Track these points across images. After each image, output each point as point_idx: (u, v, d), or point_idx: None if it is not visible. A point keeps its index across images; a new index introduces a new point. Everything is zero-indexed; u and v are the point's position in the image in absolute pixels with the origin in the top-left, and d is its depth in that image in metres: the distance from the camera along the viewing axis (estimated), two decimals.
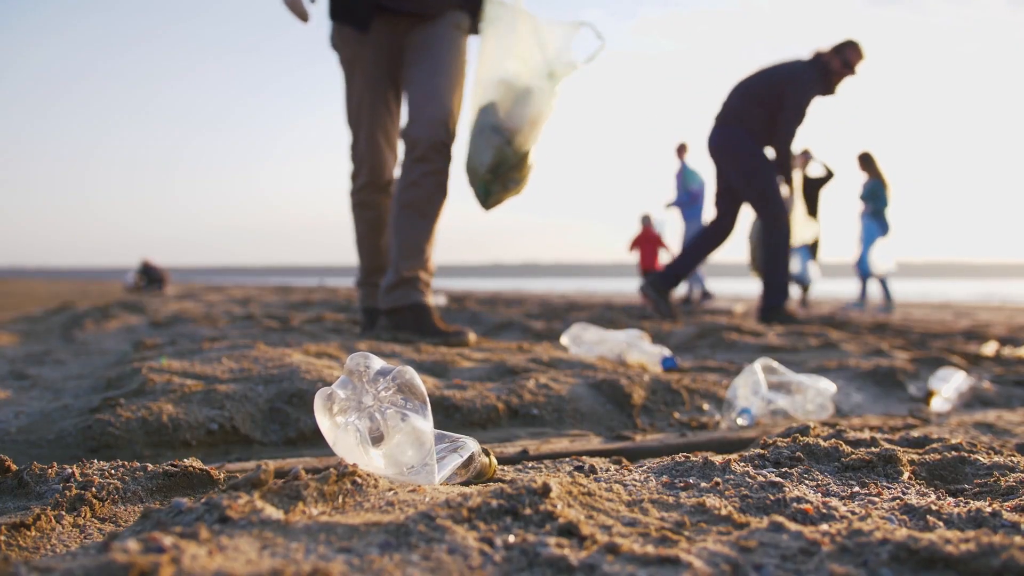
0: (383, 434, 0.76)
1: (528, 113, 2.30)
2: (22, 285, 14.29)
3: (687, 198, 8.69)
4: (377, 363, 0.81)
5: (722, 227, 4.74)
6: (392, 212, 2.62)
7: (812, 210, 7.57)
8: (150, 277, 11.46)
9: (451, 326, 2.63)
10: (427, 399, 0.80)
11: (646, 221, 9.31)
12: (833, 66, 4.48)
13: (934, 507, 0.72)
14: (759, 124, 4.52)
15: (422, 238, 2.59)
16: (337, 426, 0.77)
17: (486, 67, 2.39)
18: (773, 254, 4.47)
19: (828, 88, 4.55)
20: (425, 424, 0.77)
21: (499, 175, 2.34)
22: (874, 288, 8.89)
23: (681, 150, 8.84)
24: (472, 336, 2.52)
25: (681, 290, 9.49)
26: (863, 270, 7.65)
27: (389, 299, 2.59)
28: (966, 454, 0.94)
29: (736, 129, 4.57)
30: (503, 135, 2.30)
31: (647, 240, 9.23)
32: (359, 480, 0.71)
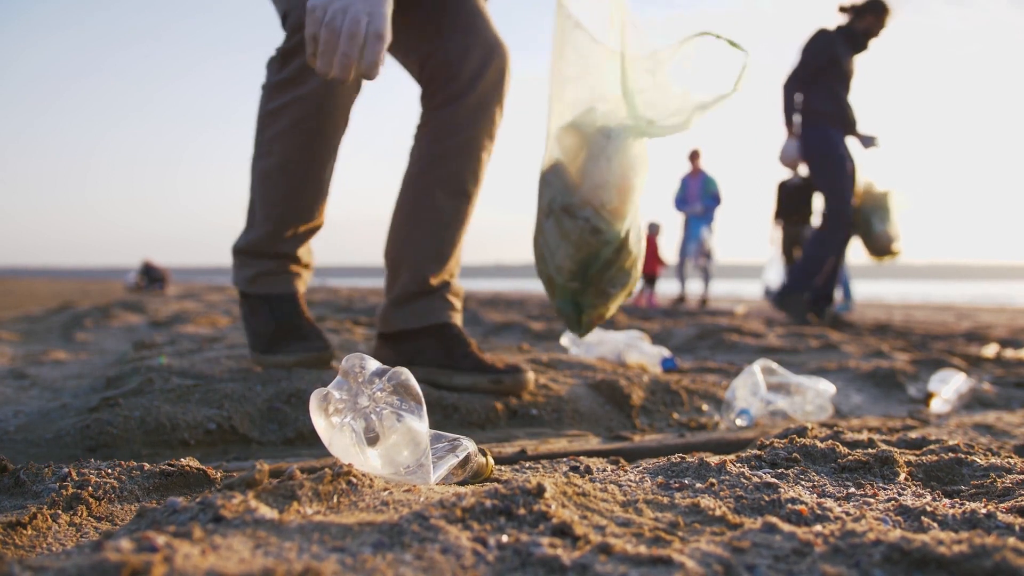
0: (379, 435, 0.76)
1: (613, 170, 1.35)
2: (23, 285, 14.32)
3: (713, 202, 8.74)
4: (372, 364, 0.81)
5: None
6: (415, 189, 1.67)
7: (805, 216, 7.49)
8: (151, 277, 11.48)
9: (499, 358, 1.67)
10: (422, 399, 0.80)
11: (652, 229, 9.52)
12: (858, 28, 4.54)
13: (929, 508, 0.72)
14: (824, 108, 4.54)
15: (460, 230, 1.70)
16: (333, 427, 0.77)
17: (551, 111, 1.47)
18: (818, 248, 4.45)
19: (856, 43, 4.59)
20: (420, 424, 0.78)
21: (592, 280, 1.41)
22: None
23: (695, 156, 8.86)
24: (531, 375, 1.60)
25: (676, 289, 9.59)
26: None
27: (400, 317, 1.67)
28: (963, 455, 0.94)
29: (805, 129, 4.58)
30: (584, 216, 1.37)
31: (649, 246, 9.48)
32: (354, 480, 0.71)
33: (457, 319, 1.70)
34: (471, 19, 1.65)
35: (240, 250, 1.68)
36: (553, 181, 1.42)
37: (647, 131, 1.36)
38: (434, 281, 1.67)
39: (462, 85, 1.62)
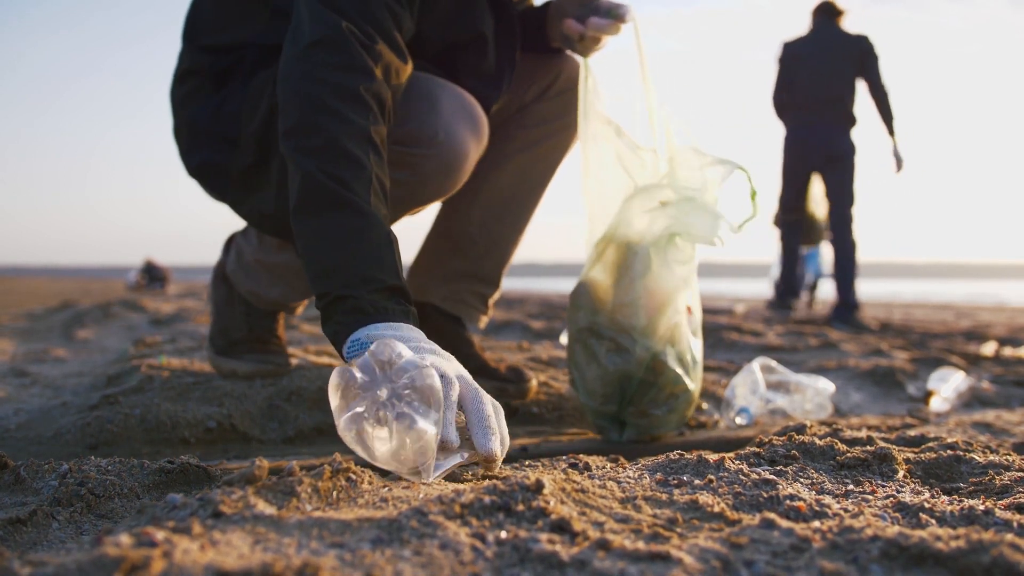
0: (388, 431, 0.76)
1: (637, 290, 1.26)
2: (25, 283, 14.33)
3: None
4: (406, 355, 0.80)
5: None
6: (509, 170, 1.55)
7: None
8: (152, 276, 11.49)
9: (501, 360, 1.67)
10: (441, 403, 0.79)
11: None
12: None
13: (927, 505, 0.72)
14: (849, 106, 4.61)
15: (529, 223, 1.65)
16: (346, 409, 0.77)
17: (588, 224, 1.37)
18: (853, 255, 4.53)
19: None
20: (431, 430, 0.77)
21: (632, 401, 1.28)
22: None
23: None
24: (535, 382, 1.58)
25: None
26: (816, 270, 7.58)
27: (439, 292, 1.59)
28: (962, 453, 0.94)
29: (850, 131, 4.62)
30: (609, 335, 1.27)
31: None
32: (353, 476, 0.71)
33: (481, 323, 1.65)
34: (562, 55, 1.57)
35: (265, 264, 1.47)
36: (582, 301, 1.32)
37: (685, 230, 1.25)
38: (502, 280, 1.62)
39: (556, 89, 1.56)
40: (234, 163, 1.34)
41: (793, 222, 4.92)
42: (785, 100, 4.71)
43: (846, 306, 4.44)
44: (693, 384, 1.31)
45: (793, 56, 4.64)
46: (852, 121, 4.56)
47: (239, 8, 1.36)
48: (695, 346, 1.32)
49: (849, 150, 4.55)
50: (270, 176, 1.31)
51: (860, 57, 4.51)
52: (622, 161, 1.29)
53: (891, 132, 4.56)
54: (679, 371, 1.28)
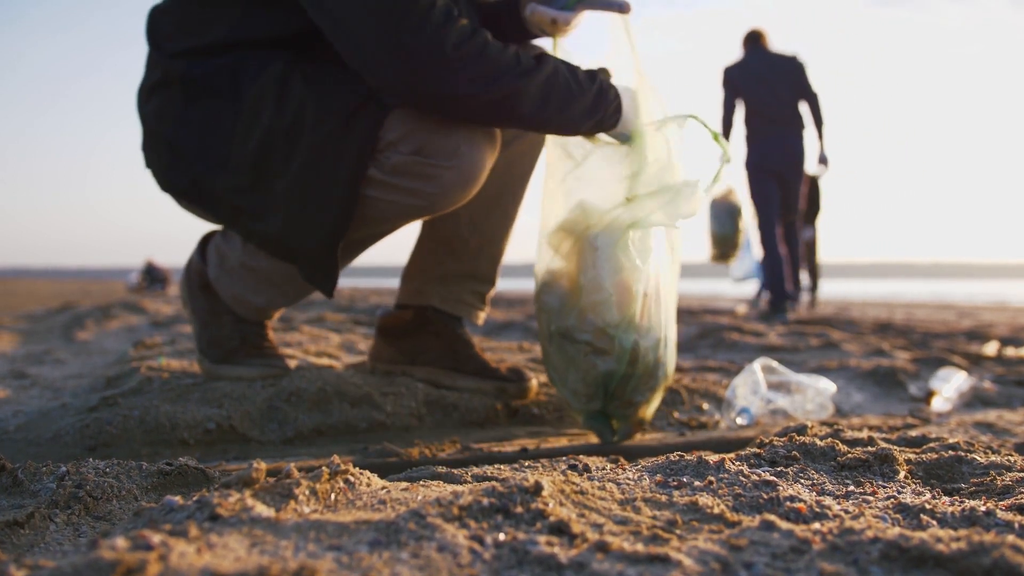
0: None
1: (606, 286, 1.22)
2: (25, 285, 14.34)
3: None
4: None
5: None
6: (501, 166, 1.49)
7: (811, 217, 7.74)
8: (152, 277, 11.50)
9: (501, 361, 1.70)
10: None
11: None
12: None
13: (928, 506, 0.72)
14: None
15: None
16: None
17: (543, 207, 1.35)
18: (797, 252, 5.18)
19: None
20: None
21: (615, 395, 1.26)
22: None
23: None
24: (535, 382, 1.57)
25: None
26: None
27: (439, 294, 1.60)
28: (963, 453, 0.93)
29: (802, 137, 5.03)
30: (584, 339, 1.24)
31: None
32: (351, 479, 0.71)
33: (479, 319, 1.65)
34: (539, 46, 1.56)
35: (251, 268, 1.43)
36: (548, 303, 1.29)
37: (645, 219, 1.21)
38: (497, 276, 1.63)
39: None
40: (220, 184, 1.30)
41: (767, 224, 5.10)
42: (734, 121, 5.06)
43: (784, 298, 4.89)
44: (667, 358, 1.30)
45: (741, 79, 4.97)
46: (803, 128, 5.00)
47: (208, 1, 1.29)
48: (659, 320, 1.28)
49: (803, 161, 5.01)
50: (273, 200, 1.27)
51: (797, 72, 4.96)
52: (566, 146, 1.30)
53: (820, 136, 5.04)
54: (653, 352, 1.27)
